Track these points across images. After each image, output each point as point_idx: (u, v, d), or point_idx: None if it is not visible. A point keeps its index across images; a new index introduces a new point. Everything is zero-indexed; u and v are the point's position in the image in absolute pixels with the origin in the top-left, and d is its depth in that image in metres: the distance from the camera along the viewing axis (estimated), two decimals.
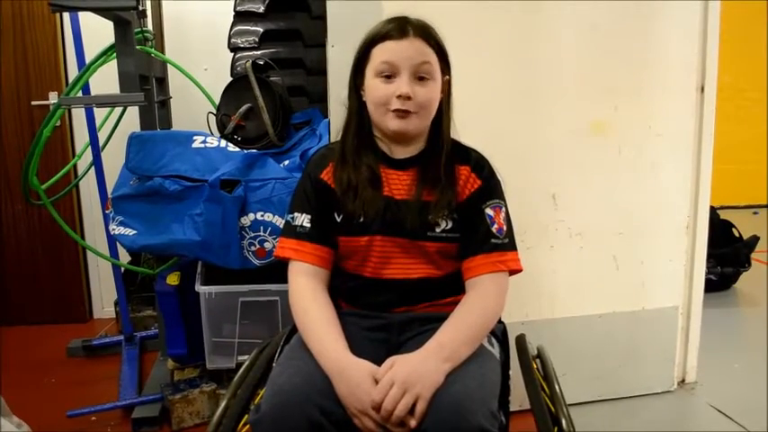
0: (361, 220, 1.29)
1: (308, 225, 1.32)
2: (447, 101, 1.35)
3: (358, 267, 1.33)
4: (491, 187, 1.33)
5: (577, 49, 2.08)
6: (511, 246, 1.32)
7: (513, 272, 1.32)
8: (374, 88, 1.28)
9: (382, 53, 1.27)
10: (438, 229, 1.29)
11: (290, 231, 1.33)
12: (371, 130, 1.35)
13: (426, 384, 1.08)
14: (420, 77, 1.27)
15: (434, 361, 1.12)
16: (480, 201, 1.31)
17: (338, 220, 1.32)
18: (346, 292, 1.36)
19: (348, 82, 1.36)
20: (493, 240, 1.29)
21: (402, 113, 1.26)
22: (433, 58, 1.28)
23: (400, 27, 1.28)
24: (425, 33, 1.29)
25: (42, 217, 3.09)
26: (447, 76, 1.34)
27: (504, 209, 1.34)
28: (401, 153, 1.34)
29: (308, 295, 1.28)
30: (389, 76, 1.26)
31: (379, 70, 1.27)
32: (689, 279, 2.30)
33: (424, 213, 1.29)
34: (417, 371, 1.10)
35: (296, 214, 1.34)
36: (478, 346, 1.21)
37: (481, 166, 1.34)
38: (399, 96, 1.25)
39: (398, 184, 1.32)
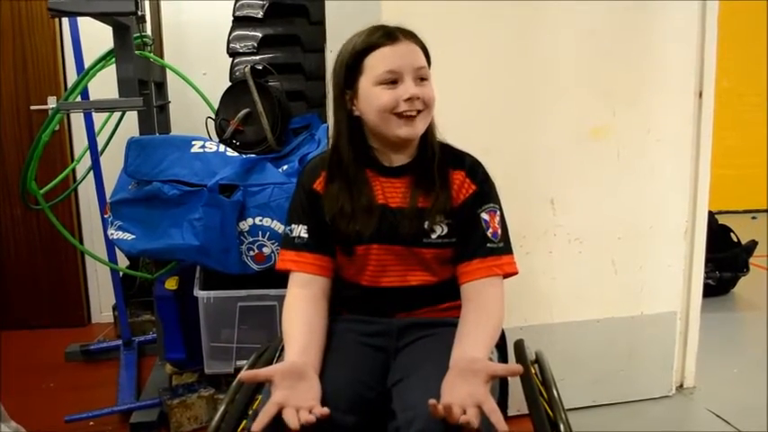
0: (358, 228, 1.29)
1: (306, 235, 1.32)
2: None
3: (355, 276, 1.34)
4: (486, 191, 1.33)
5: (576, 54, 2.09)
6: (506, 249, 1.32)
7: (508, 275, 1.32)
8: (378, 96, 1.26)
9: (382, 62, 1.26)
10: (434, 236, 1.29)
11: (289, 243, 1.34)
12: (365, 142, 1.33)
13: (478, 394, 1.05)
14: (420, 78, 1.27)
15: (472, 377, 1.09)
16: (475, 205, 1.31)
17: (333, 233, 1.32)
18: (345, 301, 1.37)
19: (333, 97, 1.34)
20: (488, 245, 1.29)
21: (410, 117, 1.25)
22: (424, 59, 1.29)
23: (388, 33, 1.27)
24: (413, 35, 1.29)
25: (41, 221, 3.09)
26: None
27: (498, 212, 1.33)
28: (397, 161, 1.33)
29: (290, 308, 1.29)
30: (394, 82, 1.25)
31: (381, 79, 1.25)
32: (687, 284, 2.30)
33: (420, 220, 1.29)
34: (463, 390, 1.06)
35: (293, 226, 1.34)
36: None
37: (475, 170, 1.34)
38: (408, 99, 1.24)
39: (393, 192, 1.32)
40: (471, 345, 1.18)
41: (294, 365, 1.14)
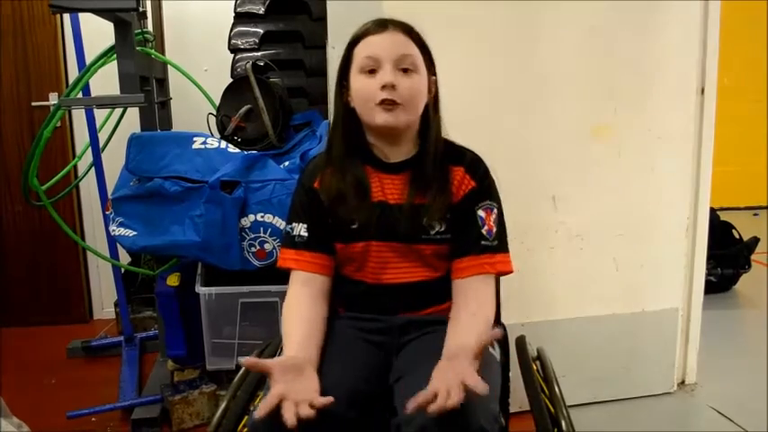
0: (355, 226, 1.29)
1: (306, 234, 1.33)
2: (435, 103, 1.34)
3: (356, 273, 1.33)
4: (485, 188, 1.32)
5: (577, 52, 2.08)
6: (501, 248, 1.31)
7: (501, 273, 1.31)
8: (359, 86, 1.27)
9: (364, 48, 1.27)
10: (432, 232, 1.29)
11: (289, 242, 1.34)
12: (361, 136, 1.34)
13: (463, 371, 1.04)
14: (404, 69, 1.26)
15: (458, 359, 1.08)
16: (473, 202, 1.31)
17: (333, 227, 1.32)
18: (346, 298, 1.37)
19: (334, 88, 1.35)
20: (482, 242, 1.29)
21: (389, 105, 1.24)
22: (414, 51, 1.28)
23: (379, 22, 1.28)
24: (405, 27, 1.29)
25: (42, 218, 3.09)
26: (433, 77, 1.33)
27: (495, 210, 1.32)
28: (395, 157, 1.33)
29: (291, 306, 1.29)
30: (373, 70, 1.25)
31: (361, 66, 1.26)
32: (689, 281, 2.30)
33: (419, 217, 1.28)
34: (450, 373, 1.05)
35: (293, 224, 1.34)
36: None
37: (476, 166, 1.33)
38: (384, 87, 1.23)
39: (392, 189, 1.32)
40: (461, 336, 1.19)
41: (293, 360, 1.14)
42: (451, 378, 1.02)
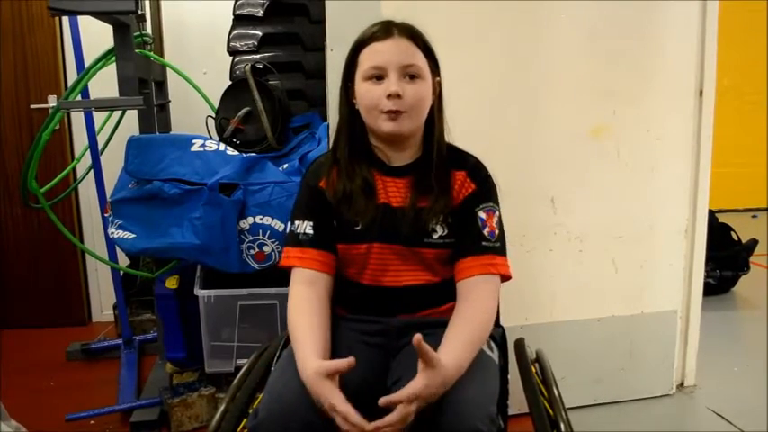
0: (358, 227, 1.29)
1: (311, 232, 1.32)
2: (438, 104, 1.35)
3: (357, 275, 1.33)
4: (485, 191, 1.33)
5: (576, 54, 2.09)
6: (501, 250, 1.31)
7: (503, 276, 1.30)
8: (364, 92, 1.28)
9: (369, 56, 1.27)
10: (435, 236, 1.29)
11: (293, 240, 1.33)
12: (366, 138, 1.34)
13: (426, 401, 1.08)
14: (410, 76, 1.27)
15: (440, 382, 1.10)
16: (473, 204, 1.31)
17: (336, 227, 1.32)
18: (346, 300, 1.36)
19: (339, 90, 1.35)
20: (484, 243, 1.29)
21: (393, 114, 1.25)
22: (420, 57, 1.28)
23: (385, 28, 1.28)
24: (411, 32, 1.29)
25: (41, 220, 3.08)
26: (437, 78, 1.34)
27: (497, 213, 1.33)
28: (398, 160, 1.33)
29: (300, 305, 1.27)
30: (379, 77, 1.26)
31: (367, 74, 1.27)
32: (688, 282, 2.30)
33: (421, 220, 1.28)
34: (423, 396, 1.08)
35: (298, 222, 1.34)
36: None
37: (477, 170, 1.34)
38: (389, 96, 1.24)
39: (395, 192, 1.32)
40: (448, 346, 1.17)
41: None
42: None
